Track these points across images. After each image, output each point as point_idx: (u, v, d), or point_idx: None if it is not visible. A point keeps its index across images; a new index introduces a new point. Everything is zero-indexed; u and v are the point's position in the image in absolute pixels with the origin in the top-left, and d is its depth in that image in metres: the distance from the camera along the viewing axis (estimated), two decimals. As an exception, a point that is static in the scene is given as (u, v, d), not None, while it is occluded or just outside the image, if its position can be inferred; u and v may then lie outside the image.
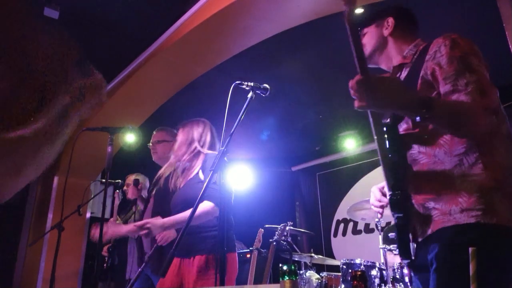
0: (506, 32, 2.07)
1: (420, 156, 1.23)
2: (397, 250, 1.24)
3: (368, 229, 5.10)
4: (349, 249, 5.21)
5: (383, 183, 1.36)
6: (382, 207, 1.37)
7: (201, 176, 2.16)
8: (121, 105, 4.19)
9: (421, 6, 2.92)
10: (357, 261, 3.02)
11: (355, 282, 0.82)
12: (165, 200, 2.34)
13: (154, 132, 2.78)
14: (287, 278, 0.83)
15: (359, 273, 0.82)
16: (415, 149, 1.24)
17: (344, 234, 5.41)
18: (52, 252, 2.21)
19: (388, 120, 1.23)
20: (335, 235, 5.52)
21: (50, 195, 4.78)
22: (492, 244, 1.06)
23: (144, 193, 2.76)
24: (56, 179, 4.82)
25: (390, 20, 1.41)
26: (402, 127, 1.29)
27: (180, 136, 2.32)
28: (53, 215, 4.66)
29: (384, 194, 1.36)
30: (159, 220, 2.00)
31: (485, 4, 2.21)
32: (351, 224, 5.34)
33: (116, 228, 2.10)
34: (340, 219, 5.50)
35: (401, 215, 1.17)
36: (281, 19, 3.03)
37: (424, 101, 1.06)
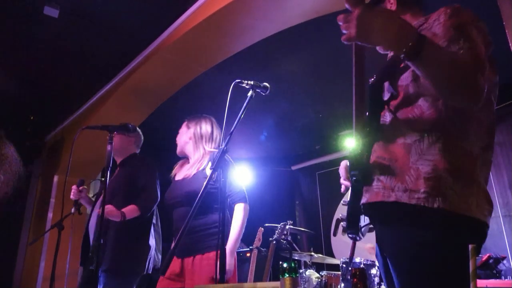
0: (506, 30, 2.07)
1: (387, 124, 1.18)
2: (345, 222, 1.19)
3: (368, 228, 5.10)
4: (348, 248, 5.21)
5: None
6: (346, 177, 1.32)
7: (208, 172, 2.17)
8: (121, 104, 4.19)
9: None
10: (357, 260, 3.02)
11: (355, 280, 0.82)
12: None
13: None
14: (287, 275, 0.83)
15: (359, 270, 0.83)
16: (386, 116, 1.19)
17: (344, 233, 5.41)
18: (52, 251, 2.21)
19: (374, 79, 1.19)
20: (335, 234, 5.51)
21: (50, 194, 4.79)
22: (433, 229, 1.02)
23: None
24: (56, 178, 4.83)
25: None
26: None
27: (189, 129, 2.32)
28: (53, 214, 4.66)
29: None
30: (230, 256, 2.01)
31: (485, 4, 2.21)
32: (351, 223, 5.34)
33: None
34: (340, 218, 5.50)
35: (356, 172, 1.11)
36: (281, 18, 3.03)
37: (419, 37, 0.95)
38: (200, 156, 2.24)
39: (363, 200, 1.17)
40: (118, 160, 2.68)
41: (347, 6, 0.99)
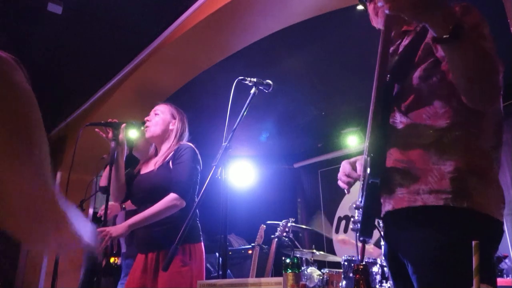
0: (511, 28, 2.06)
1: (400, 125, 1.15)
2: (359, 224, 1.12)
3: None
4: (350, 246, 5.22)
5: (355, 158, 1.30)
6: (349, 184, 1.26)
7: (171, 165, 2.11)
8: (124, 100, 4.20)
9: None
10: (363, 256, 3.03)
11: (358, 276, 0.82)
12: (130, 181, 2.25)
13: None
14: (290, 271, 0.84)
15: (361, 266, 0.83)
16: (397, 117, 1.16)
17: (345, 231, 5.42)
18: (55, 247, 2.22)
19: (388, 78, 1.16)
20: (337, 231, 5.53)
21: (53, 190, 4.80)
22: (461, 228, 1.01)
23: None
24: (59, 175, 4.85)
25: None
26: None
27: (174, 119, 2.26)
28: (56, 210, 4.68)
29: (354, 169, 1.26)
30: (121, 225, 1.93)
31: (489, 1, 2.20)
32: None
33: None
34: (342, 216, 5.51)
35: (377, 180, 1.06)
36: (285, 15, 3.02)
37: (460, 22, 0.93)
38: (171, 149, 2.17)
39: (388, 207, 1.13)
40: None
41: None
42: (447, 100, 1.08)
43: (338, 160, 5.87)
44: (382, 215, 1.16)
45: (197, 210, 1.93)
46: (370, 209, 1.09)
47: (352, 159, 1.32)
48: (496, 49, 1.06)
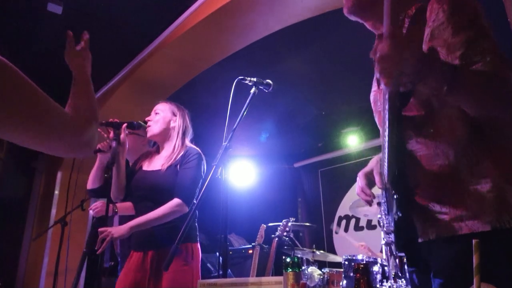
0: (511, 27, 2.06)
1: (418, 146, 1.06)
2: (394, 245, 1.06)
3: (370, 226, 5.10)
4: (351, 245, 5.22)
5: (369, 166, 1.24)
6: (368, 201, 1.21)
7: (178, 168, 2.11)
8: (124, 100, 4.20)
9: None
10: (359, 257, 3.02)
11: (358, 275, 0.82)
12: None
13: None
14: (291, 270, 0.84)
15: (361, 266, 0.83)
16: (412, 137, 1.07)
17: (346, 230, 5.42)
18: (55, 247, 2.22)
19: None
20: (337, 231, 5.53)
21: (53, 190, 4.81)
22: (502, 247, 0.93)
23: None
24: (59, 174, 4.85)
25: None
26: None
27: (174, 116, 2.25)
28: (57, 210, 4.68)
29: (370, 184, 1.20)
30: (123, 227, 1.92)
31: (489, 1, 2.20)
32: (353, 221, 5.34)
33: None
34: (342, 215, 5.51)
35: (400, 215, 1.00)
36: (285, 14, 3.02)
37: (447, 72, 0.88)
38: (177, 149, 2.16)
39: (431, 236, 1.04)
40: (132, 160, 2.59)
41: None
42: (461, 110, 0.99)
43: (338, 160, 5.91)
44: (422, 241, 1.07)
45: (196, 211, 1.92)
46: (401, 237, 1.03)
47: (368, 168, 1.25)
48: (495, 41, 1.00)
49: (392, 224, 1.04)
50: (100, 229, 1.88)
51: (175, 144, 2.18)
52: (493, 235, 0.95)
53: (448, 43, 0.98)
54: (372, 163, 1.27)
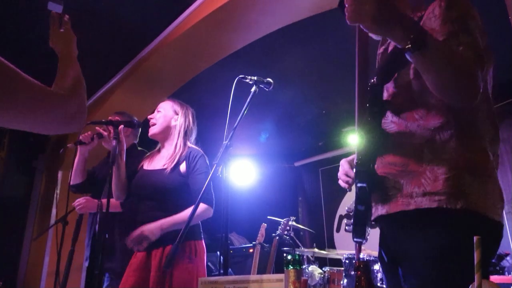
0: None
1: (391, 125, 1.13)
2: (351, 226, 1.15)
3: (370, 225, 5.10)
4: (351, 244, 5.21)
5: (352, 156, 1.30)
6: (348, 182, 1.28)
7: (182, 168, 2.09)
8: (124, 99, 4.21)
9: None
10: (360, 256, 3.03)
11: (359, 273, 0.82)
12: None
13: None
14: (292, 267, 0.84)
15: (362, 263, 0.83)
16: (388, 117, 1.14)
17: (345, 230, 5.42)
18: (56, 246, 2.22)
19: (374, 80, 1.14)
20: (338, 230, 5.53)
21: (54, 189, 4.81)
22: (456, 230, 0.99)
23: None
24: (60, 174, 4.85)
25: None
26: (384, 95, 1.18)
27: (176, 115, 2.22)
28: (57, 210, 4.68)
29: (352, 167, 1.25)
30: (155, 225, 1.91)
31: (490, 1, 2.20)
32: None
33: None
34: (343, 214, 5.51)
35: (364, 184, 1.06)
36: (285, 13, 3.02)
37: (422, 32, 0.93)
38: (179, 149, 2.13)
39: (381, 211, 1.12)
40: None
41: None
42: (438, 97, 1.05)
43: (339, 159, 5.80)
44: (374, 219, 1.16)
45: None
46: (361, 213, 1.09)
47: (350, 157, 1.32)
48: (482, 41, 1.04)
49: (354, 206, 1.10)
50: (136, 233, 1.88)
51: (176, 144, 2.15)
52: (439, 214, 0.99)
53: (434, 31, 1.05)
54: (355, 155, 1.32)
